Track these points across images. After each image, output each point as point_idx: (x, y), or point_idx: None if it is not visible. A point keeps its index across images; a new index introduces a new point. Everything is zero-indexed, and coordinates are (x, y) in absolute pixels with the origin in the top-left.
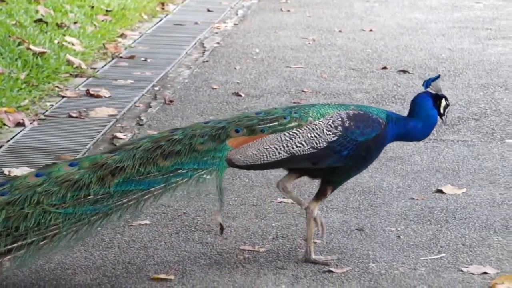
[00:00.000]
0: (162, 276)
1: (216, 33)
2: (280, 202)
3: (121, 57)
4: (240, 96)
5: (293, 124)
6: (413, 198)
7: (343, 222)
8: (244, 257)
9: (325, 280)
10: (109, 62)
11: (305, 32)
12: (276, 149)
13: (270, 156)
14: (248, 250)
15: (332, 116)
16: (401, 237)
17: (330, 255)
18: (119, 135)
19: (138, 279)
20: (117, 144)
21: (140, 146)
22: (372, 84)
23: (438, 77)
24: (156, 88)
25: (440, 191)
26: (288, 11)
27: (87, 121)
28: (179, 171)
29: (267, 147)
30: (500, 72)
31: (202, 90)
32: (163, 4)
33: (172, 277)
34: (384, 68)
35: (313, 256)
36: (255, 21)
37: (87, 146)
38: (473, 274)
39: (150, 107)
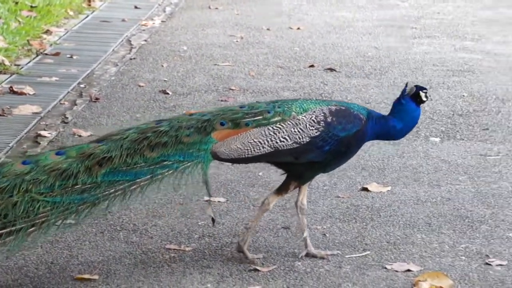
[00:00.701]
0: (86, 276)
1: (144, 30)
2: (207, 200)
3: (46, 54)
4: (168, 94)
5: (276, 118)
6: (339, 196)
7: (269, 220)
8: (169, 256)
9: (251, 278)
10: (34, 58)
11: (233, 30)
12: (260, 143)
13: (254, 150)
14: (174, 249)
15: (314, 112)
16: (327, 235)
17: (257, 253)
18: (43, 133)
19: (61, 279)
20: (103, 133)
21: (127, 137)
22: (299, 82)
23: (406, 84)
24: (82, 86)
25: (366, 189)
26: (216, 8)
27: (10, 118)
28: (165, 163)
29: (251, 141)
30: (425, 70)
31: (129, 87)
32: (89, 0)
33: (96, 277)
34: (312, 66)
35: (249, 255)
36: (183, 19)
37: (10, 144)
38: (396, 271)
39: (76, 104)
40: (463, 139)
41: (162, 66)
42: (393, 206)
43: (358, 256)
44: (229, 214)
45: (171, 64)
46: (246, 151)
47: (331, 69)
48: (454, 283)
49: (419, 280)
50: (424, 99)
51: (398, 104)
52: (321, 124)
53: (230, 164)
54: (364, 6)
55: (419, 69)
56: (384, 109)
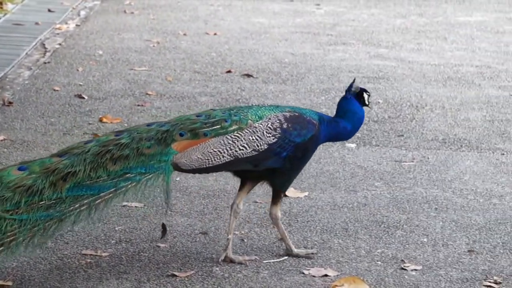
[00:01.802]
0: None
1: (58, 34)
2: (124, 205)
3: None
4: (83, 98)
5: (234, 127)
6: (257, 202)
7: (187, 225)
8: (86, 262)
9: (169, 284)
10: None
11: (149, 34)
12: (220, 152)
13: (214, 160)
14: (90, 254)
15: (270, 118)
16: (245, 240)
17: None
18: None
19: None
20: (64, 147)
21: (88, 150)
22: (216, 87)
23: (354, 80)
24: None
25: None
26: (132, 13)
27: None
28: (127, 175)
29: (211, 150)
30: (341, 77)
31: (43, 91)
32: (1, 3)
33: (10, 283)
34: (229, 71)
35: (295, 250)
36: (98, 23)
37: None
38: (314, 276)
39: None
40: (378, 145)
41: (78, 70)
42: (310, 212)
43: (276, 262)
44: (146, 219)
45: (87, 68)
46: (206, 161)
47: (248, 75)
48: None
49: (336, 285)
50: (366, 102)
51: (344, 102)
52: (278, 131)
53: (191, 174)
54: (280, 13)
55: (335, 76)
56: None
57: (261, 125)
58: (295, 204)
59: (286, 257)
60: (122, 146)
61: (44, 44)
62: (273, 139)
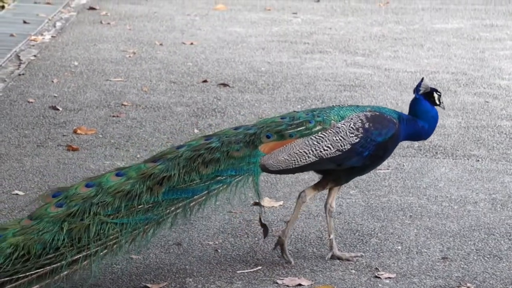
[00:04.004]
0: None
1: (33, 45)
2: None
3: None
4: (58, 110)
5: (318, 128)
6: (231, 212)
7: (161, 236)
8: None
9: None
10: None
11: (125, 45)
12: (306, 153)
13: (300, 160)
14: None
15: (352, 118)
16: (219, 250)
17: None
18: None
19: None
20: (155, 153)
21: (181, 155)
22: (192, 97)
23: (422, 80)
24: None
25: (258, 204)
26: (108, 23)
27: None
28: (218, 178)
29: (297, 151)
30: (317, 85)
31: (18, 104)
32: None
33: None
34: (205, 81)
35: (285, 239)
36: (74, 34)
37: None
38: (288, 286)
39: None
40: None
41: (52, 81)
42: (285, 221)
43: (250, 272)
44: None
45: (62, 80)
46: (293, 161)
47: (224, 84)
48: None
49: None
50: (437, 102)
51: (415, 103)
52: (360, 131)
53: (278, 175)
54: (257, 22)
55: (312, 84)
56: None
57: (344, 125)
58: (270, 213)
59: (260, 267)
60: (212, 149)
61: (19, 56)
62: (355, 139)
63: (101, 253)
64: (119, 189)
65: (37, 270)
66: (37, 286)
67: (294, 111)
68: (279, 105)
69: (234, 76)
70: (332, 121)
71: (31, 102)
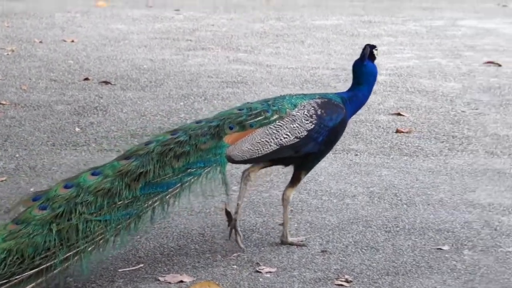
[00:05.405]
0: None
1: None
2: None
3: None
4: None
5: (275, 116)
6: None
7: None
8: None
9: None
10: None
11: (3, 42)
12: (268, 142)
13: (263, 149)
14: None
15: (305, 106)
16: (101, 249)
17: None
18: None
19: None
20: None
21: (153, 150)
22: (74, 95)
23: (365, 47)
24: None
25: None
26: None
27: None
28: (189, 170)
29: (259, 140)
30: (200, 82)
31: None
32: None
33: None
34: (86, 79)
35: (290, 238)
36: None
37: None
38: (169, 283)
39: None
40: None
41: None
42: (167, 218)
43: (131, 270)
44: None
45: None
46: (256, 151)
47: (106, 82)
48: None
49: None
50: (376, 56)
51: (362, 67)
52: (314, 117)
53: (243, 165)
54: (139, 19)
55: (194, 81)
56: (159, 121)
57: (298, 113)
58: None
59: (141, 265)
60: (182, 143)
61: None
62: (311, 125)
63: (89, 249)
64: (99, 187)
65: (32, 271)
66: (33, 284)
67: (248, 103)
68: (161, 102)
69: (116, 73)
70: (287, 109)
71: None
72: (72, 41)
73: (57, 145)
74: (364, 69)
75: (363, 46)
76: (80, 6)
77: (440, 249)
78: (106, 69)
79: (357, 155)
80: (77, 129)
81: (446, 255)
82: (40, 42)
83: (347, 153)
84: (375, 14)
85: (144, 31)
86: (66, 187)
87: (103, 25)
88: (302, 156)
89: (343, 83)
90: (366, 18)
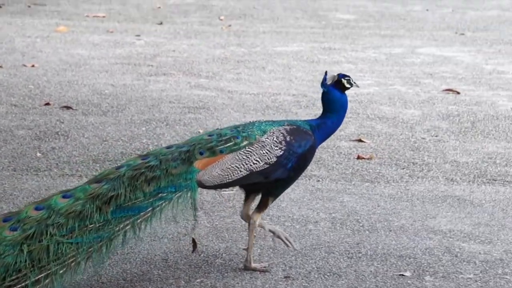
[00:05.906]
0: None
1: None
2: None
3: None
4: None
5: (245, 143)
6: None
7: None
8: None
9: None
10: None
11: None
12: (237, 167)
13: (233, 175)
14: None
15: (274, 132)
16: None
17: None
18: None
19: None
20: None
21: (124, 174)
22: (34, 120)
23: (326, 73)
24: None
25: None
26: None
27: None
28: (160, 195)
29: (229, 166)
30: (162, 107)
31: None
32: None
33: None
34: (47, 104)
35: (253, 264)
36: None
37: None
38: None
39: None
40: None
41: None
42: (130, 244)
43: None
44: None
45: None
46: (226, 176)
47: (68, 107)
48: None
49: None
50: (348, 85)
51: (325, 97)
52: (283, 144)
53: (214, 190)
54: (99, 44)
55: (156, 106)
56: (121, 146)
57: (267, 139)
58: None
59: None
60: (152, 168)
61: None
62: (280, 152)
63: (61, 272)
64: (71, 210)
65: None
66: None
67: (218, 129)
68: (123, 127)
69: (78, 98)
70: (257, 135)
71: None
72: (33, 65)
73: (18, 170)
74: (329, 96)
75: (323, 72)
76: (40, 31)
77: (402, 275)
78: (67, 94)
79: (319, 181)
80: (38, 154)
81: (408, 281)
82: (0, 67)
83: (309, 179)
84: (335, 41)
85: (105, 56)
86: (37, 209)
87: (63, 50)
88: (271, 182)
89: (304, 109)
90: (326, 45)
